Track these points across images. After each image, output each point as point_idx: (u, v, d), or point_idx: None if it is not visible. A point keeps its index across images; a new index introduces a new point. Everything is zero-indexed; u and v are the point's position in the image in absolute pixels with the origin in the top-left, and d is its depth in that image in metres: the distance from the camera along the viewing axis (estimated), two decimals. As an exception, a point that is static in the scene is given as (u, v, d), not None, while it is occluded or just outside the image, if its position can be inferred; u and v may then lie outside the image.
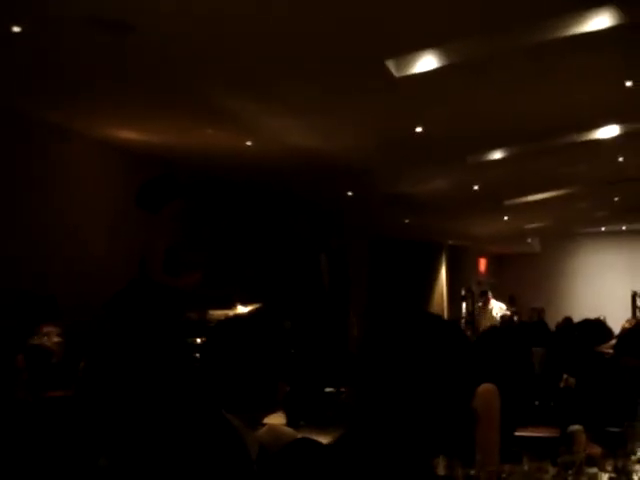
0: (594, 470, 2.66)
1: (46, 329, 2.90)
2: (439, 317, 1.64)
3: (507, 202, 12.61)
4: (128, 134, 7.94)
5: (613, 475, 2.52)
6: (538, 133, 8.32)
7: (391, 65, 6.00)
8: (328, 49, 5.61)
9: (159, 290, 5.45)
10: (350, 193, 11.39)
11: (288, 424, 3.45)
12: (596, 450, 2.89)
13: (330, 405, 6.58)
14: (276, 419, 3.08)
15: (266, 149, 8.54)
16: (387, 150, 8.90)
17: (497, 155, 9.34)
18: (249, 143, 8.23)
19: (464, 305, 18.52)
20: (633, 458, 2.75)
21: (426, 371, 1.48)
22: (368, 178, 10.31)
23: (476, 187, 11.30)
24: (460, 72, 6.23)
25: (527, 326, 11.79)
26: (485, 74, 6.32)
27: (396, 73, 6.08)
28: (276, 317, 2.56)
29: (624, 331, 7.12)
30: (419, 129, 7.82)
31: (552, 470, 2.57)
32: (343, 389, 6.35)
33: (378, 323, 1.60)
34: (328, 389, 6.40)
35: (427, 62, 6.04)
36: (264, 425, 2.87)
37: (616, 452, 2.61)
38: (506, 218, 14.61)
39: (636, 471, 2.66)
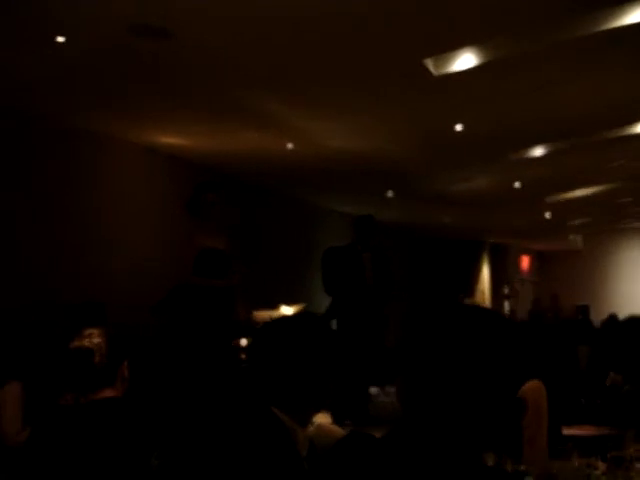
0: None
1: (88, 331, 2.97)
2: (482, 307, 1.64)
3: (548, 199, 12.49)
4: (173, 140, 8.05)
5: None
6: (578, 129, 8.24)
7: (429, 64, 6.00)
8: (366, 49, 5.63)
9: (203, 293, 5.53)
10: (390, 194, 11.39)
11: (334, 423, 3.48)
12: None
13: (375, 404, 6.59)
14: (322, 418, 3.11)
15: (307, 152, 8.60)
16: (427, 149, 8.90)
17: (538, 152, 9.27)
18: (290, 146, 8.29)
19: (507, 303, 18.37)
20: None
21: (473, 361, 1.49)
22: (408, 177, 10.31)
23: (517, 184, 11.21)
24: (498, 69, 6.20)
25: (572, 323, 11.67)
26: (523, 71, 6.28)
27: (435, 72, 6.08)
28: (322, 317, 2.59)
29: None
30: (459, 127, 7.79)
31: (602, 466, 2.56)
32: (388, 388, 6.37)
33: (421, 317, 1.62)
34: (373, 388, 6.42)
35: (465, 60, 6.02)
36: (312, 424, 2.90)
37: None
38: (548, 215, 14.47)
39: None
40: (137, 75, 6.05)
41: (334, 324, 6.57)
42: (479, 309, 1.63)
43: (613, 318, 11.09)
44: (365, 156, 8.91)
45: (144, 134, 7.86)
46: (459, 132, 7.92)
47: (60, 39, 5.16)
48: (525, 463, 2.57)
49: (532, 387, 3.01)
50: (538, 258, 20.56)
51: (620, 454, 2.60)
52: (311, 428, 2.87)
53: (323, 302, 7.07)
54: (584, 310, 15.80)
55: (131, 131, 7.73)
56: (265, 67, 5.97)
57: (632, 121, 8.21)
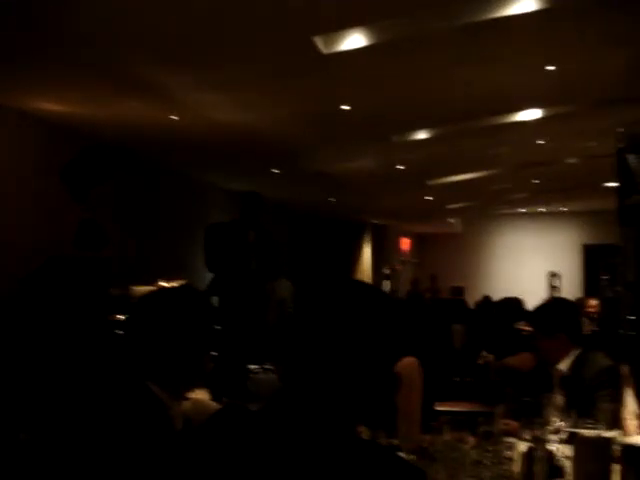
0: (512, 439, 2.75)
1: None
2: (360, 282, 1.64)
3: (430, 182, 12.79)
4: (49, 105, 7.70)
5: (530, 444, 2.60)
6: (461, 114, 8.45)
7: (319, 42, 5.99)
8: (255, 23, 5.56)
9: (78, 266, 5.34)
10: (276, 170, 11.37)
11: (212, 400, 3.45)
12: (513, 425, 2.99)
13: (254, 381, 6.59)
14: (200, 395, 3.07)
15: (191, 124, 8.44)
16: (313, 127, 8.91)
17: (421, 135, 9.45)
18: (174, 117, 8.12)
19: (387, 283, 18.76)
20: (549, 428, 2.85)
21: (349, 336, 1.49)
22: (294, 155, 10.31)
23: (400, 166, 11.42)
24: (387, 51, 6.27)
25: (447, 304, 12.02)
26: (411, 54, 6.37)
27: (324, 50, 6.07)
28: (201, 292, 2.55)
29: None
30: (345, 107, 7.84)
31: (472, 441, 2.64)
32: (268, 366, 6.37)
33: (300, 294, 1.60)
34: (252, 365, 6.41)
35: (354, 40, 6.04)
36: (188, 400, 2.86)
37: (533, 422, 2.69)
38: (429, 198, 14.82)
39: (551, 440, 2.76)
40: (12, 36, 5.75)
41: (215, 301, 6.51)
42: (357, 284, 1.63)
43: (487, 299, 11.50)
44: (251, 132, 8.84)
45: (16, 97, 7.46)
46: (345, 112, 7.97)
47: None
48: (399, 437, 2.62)
49: (407, 363, 3.08)
50: (418, 240, 21.07)
51: (489, 429, 2.68)
52: (187, 403, 2.83)
53: (205, 279, 6.99)
54: (459, 291, 16.32)
55: (3, 94, 7.33)
56: (151, 35, 5.80)
57: (512, 110, 8.48)
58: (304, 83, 7.14)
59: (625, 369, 2.98)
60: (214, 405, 3.14)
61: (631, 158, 2.61)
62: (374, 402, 1.53)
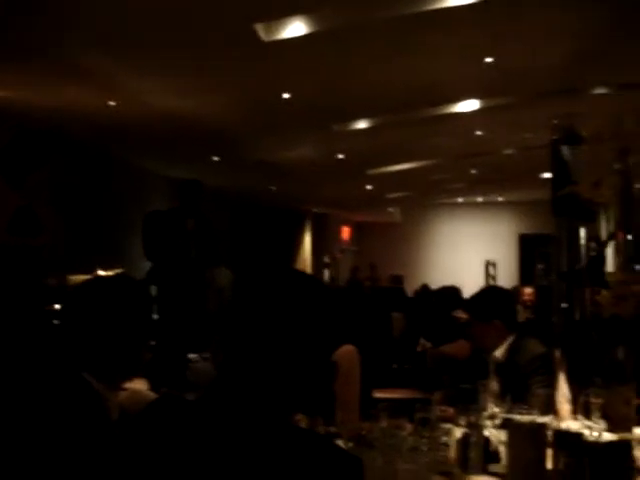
0: (448, 426, 2.79)
1: None
2: (298, 271, 1.64)
3: (370, 171, 12.85)
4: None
5: (466, 430, 2.64)
6: (401, 105, 8.50)
7: (260, 29, 5.95)
8: (195, 9, 5.49)
9: (11, 254, 5.22)
10: (216, 158, 11.29)
11: (150, 390, 3.41)
12: (450, 411, 3.03)
13: (193, 371, 6.55)
14: (138, 385, 3.04)
15: (130, 111, 8.31)
16: (253, 115, 8.86)
17: (362, 125, 9.49)
18: (112, 103, 7.98)
19: (327, 272, 18.83)
20: (484, 414, 2.90)
21: (286, 324, 1.49)
22: (234, 143, 10.25)
23: (340, 156, 11.46)
24: (327, 40, 6.26)
25: (386, 292, 12.13)
26: (351, 44, 6.38)
27: (264, 37, 6.04)
28: (139, 281, 2.52)
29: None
30: (286, 95, 7.82)
31: (409, 427, 2.67)
32: (207, 355, 6.33)
33: (240, 282, 1.60)
34: (191, 355, 6.36)
35: (296, 28, 6.03)
36: (126, 390, 2.83)
37: (469, 408, 2.73)
38: (369, 187, 14.90)
39: (487, 425, 2.81)
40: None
41: (154, 290, 6.43)
42: (295, 273, 1.63)
43: (425, 288, 11.64)
44: (191, 119, 8.75)
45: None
46: (286, 100, 7.95)
47: None
48: (337, 425, 2.64)
49: (345, 352, 3.10)
50: (358, 229, 21.19)
51: (426, 416, 2.72)
52: (123, 393, 2.80)
53: (144, 267, 6.91)
54: (399, 280, 16.48)
55: None
56: (87, 19, 5.68)
57: (452, 100, 8.57)
58: (244, 70, 7.09)
59: (558, 355, 3.06)
60: (151, 395, 3.11)
61: (565, 149, 2.66)
62: (311, 390, 1.53)
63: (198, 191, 6.78)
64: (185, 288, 6.59)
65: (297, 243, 18.05)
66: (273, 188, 14.56)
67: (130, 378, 2.34)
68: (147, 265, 6.73)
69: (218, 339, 1.60)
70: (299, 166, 12.15)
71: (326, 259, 18.98)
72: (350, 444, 2.51)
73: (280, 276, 1.59)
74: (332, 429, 2.62)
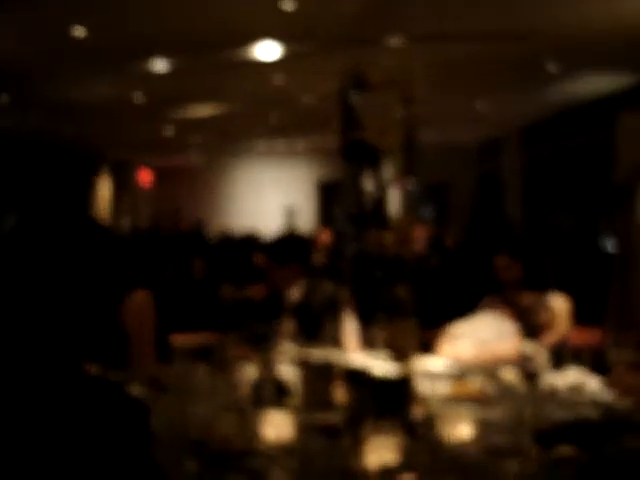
0: (245, 365, 2.86)
1: None
2: (87, 216, 1.60)
3: (170, 115, 12.60)
4: None
5: (261, 367, 2.72)
6: (197, 47, 8.32)
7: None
8: None
9: None
10: (5, 98, 10.59)
11: None
12: (246, 351, 3.10)
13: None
14: None
15: None
16: (43, 52, 8.37)
17: (159, 65, 9.22)
18: None
19: (128, 218, 18.42)
20: (279, 352, 3.00)
21: (70, 271, 1.45)
22: (25, 81, 9.66)
23: (140, 97, 11.12)
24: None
25: (188, 237, 12.08)
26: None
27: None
28: None
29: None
30: (80, 34, 7.43)
31: (204, 369, 2.70)
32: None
33: (21, 229, 1.53)
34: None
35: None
36: None
37: (264, 347, 2.81)
38: (170, 131, 14.63)
39: (281, 361, 2.92)
40: None
41: None
42: (82, 219, 1.58)
43: (227, 233, 11.72)
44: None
45: None
46: (79, 38, 7.56)
47: None
48: (131, 369, 2.61)
49: (138, 296, 3.07)
50: (159, 174, 20.78)
51: (223, 356, 2.76)
52: None
53: None
54: (200, 225, 16.44)
55: None
56: None
57: (250, 45, 8.51)
58: (30, 2, 6.65)
59: (346, 294, 3.20)
60: None
61: (352, 95, 2.75)
62: (103, 336, 1.51)
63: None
64: None
65: (94, 188, 17.41)
66: (68, 130, 13.89)
67: None
68: None
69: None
70: (97, 107, 11.66)
71: (125, 205, 18.51)
72: (143, 389, 2.49)
73: (65, 221, 1.54)
74: (126, 375, 2.58)
